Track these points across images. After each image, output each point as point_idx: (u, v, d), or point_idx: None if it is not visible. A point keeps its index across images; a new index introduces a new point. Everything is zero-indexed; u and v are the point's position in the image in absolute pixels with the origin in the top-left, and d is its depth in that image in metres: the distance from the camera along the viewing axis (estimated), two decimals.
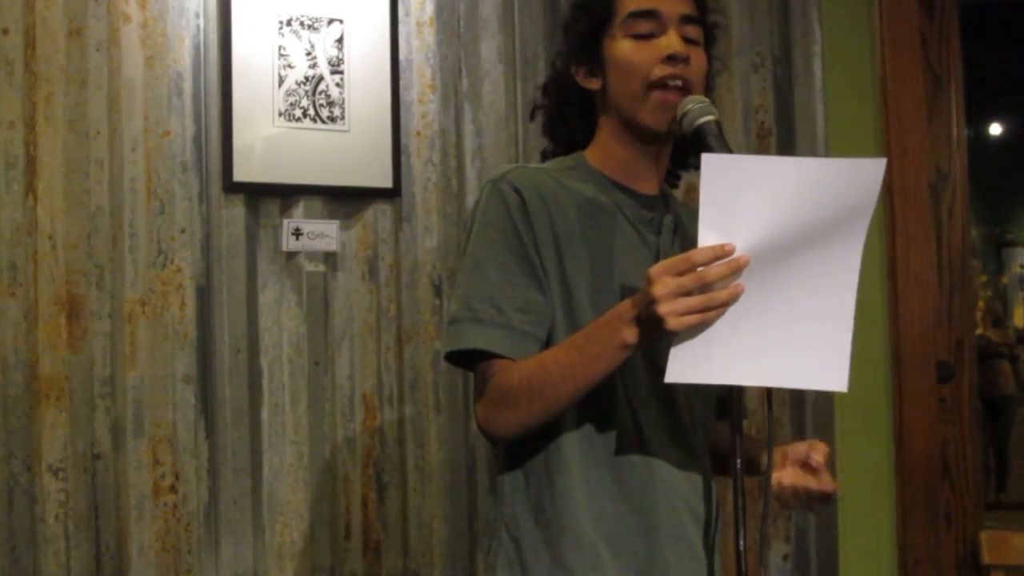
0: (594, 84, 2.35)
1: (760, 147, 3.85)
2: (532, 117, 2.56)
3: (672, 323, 1.93)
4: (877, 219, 3.85)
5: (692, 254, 1.93)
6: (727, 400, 2.22)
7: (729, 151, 2.10)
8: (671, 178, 2.49)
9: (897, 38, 3.97)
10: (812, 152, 3.87)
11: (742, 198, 1.92)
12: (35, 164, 3.10)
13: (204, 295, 3.26)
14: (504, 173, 2.27)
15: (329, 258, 3.39)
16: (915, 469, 3.92)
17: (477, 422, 2.23)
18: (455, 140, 3.57)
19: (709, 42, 2.37)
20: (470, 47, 3.61)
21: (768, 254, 1.93)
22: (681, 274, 1.93)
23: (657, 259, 2.27)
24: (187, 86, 3.26)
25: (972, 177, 4.10)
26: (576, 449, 2.21)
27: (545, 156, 2.51)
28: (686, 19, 2.29)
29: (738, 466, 2.13)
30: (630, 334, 2.02)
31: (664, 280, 1.94)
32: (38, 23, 3.12)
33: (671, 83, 2.23)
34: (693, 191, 3.63)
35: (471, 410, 3.51)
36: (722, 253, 1.93)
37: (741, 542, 2.12)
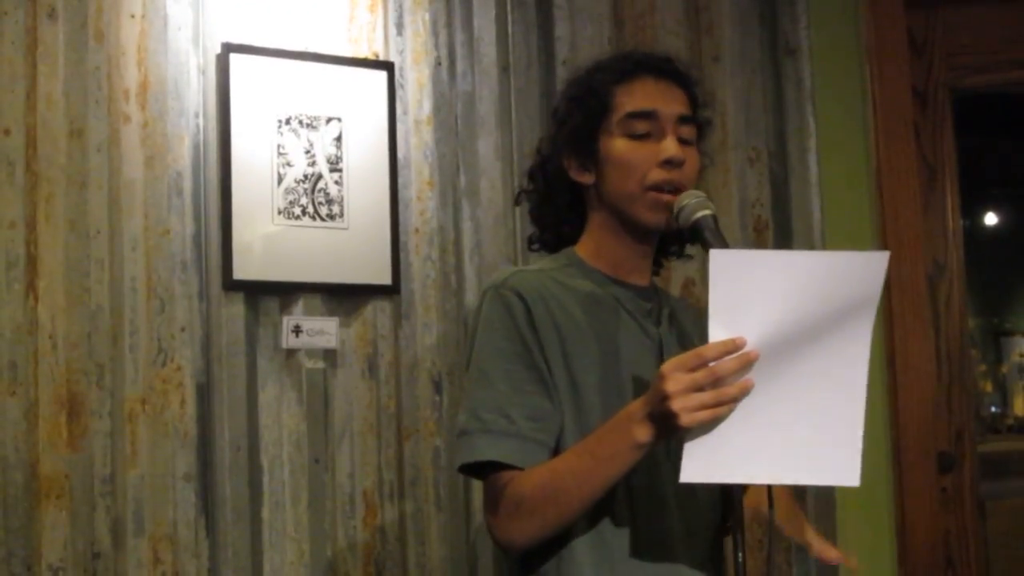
0: (586, 179, 2.36)
1: (757, 241, 3.86)
2: (517, 202, 2.58)
3: (685, 419, 1.94)
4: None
5: (703, 350, 1.94)
6: (728, 495, 2.22)
7: (726, 245, 2.12)
8: (654, 266, 2.49)
9: (891, 130, 4.00)
10: (809, 245, 3.88)
11: (750, 293, 1.93)
12: (36, 263, 3.11)
13: (204, 393, 3.26)
14: (505, 279, 2.28)
15: (329, 355, 3.39)
16: (918, 560, 3.89)
17: (491, 533, 2.22)
18: (453, 237, 3.59)
19: (700, 137, 2.40)
20: (467, 144, 3.64)
21: (777, 348, 1.94)
22: (693, 370, 1.94)
23: (660, 350, 2.28)
24: (187, 185, 3.28)
25: (969, 267, 4.11)
26: (589, 553, 2.21)
27: (532, 243, 2.52)
28: (682, 119, 2.31)
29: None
30: (643, 433, 2.02)
31: (676, 376, 1.94)
32: (39, 124, 3.14)
33: (666, 187, 2.25)
34: (691, 284, 3.65)
35: (472, 507, 3.50)
36: (732, 348, 1.94)
37: None
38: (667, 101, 2.31)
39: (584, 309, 2.28)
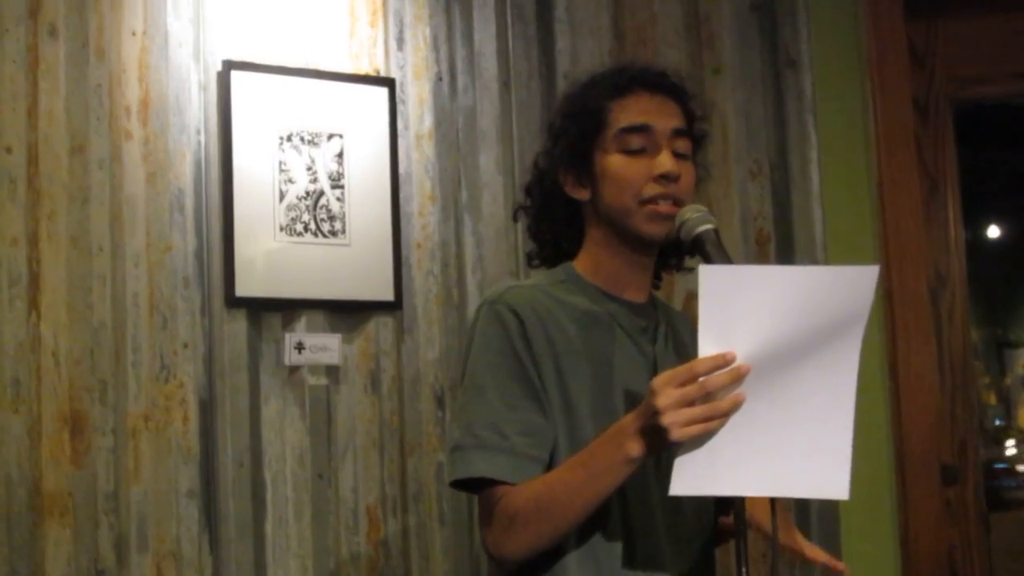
0: (582, 194, 2.36)
1: (759, 253, 3.86)
2: (515, 218, 2.58)
3: (676, 434, 1.94)
4: (878, 322, 3.85)
5: (694, 364, 1.95)
6: (727, 504, 2.22)
7: (728, 259, 2.12)
8: (654, 279, 2.49)
9: (892, 142, 3.99)
10: (811, 257, 3.88)
11: (740, 308, 1.94)
12: (38, 280, 3.11)
13: (207, 409, 3.26)
14: (500, 294, 2.28)
15: (331, 371, 3.39)
16: (922, 573, 3.88)
17: (485, 547, 2.22)
18: (455, 251, 3.59)
19: (697, 150, 2.39)
20: (469, 159, 3.64)
21: (767, 362, 1.95)
22: (684, 384, 1.94)
23: (654, 368, 2.28)
24: (188, 201, 3.28)
25: (972, 279, 4.10)
26: (579, 567, 2.21)
27: (531, 258, 2.52)
28: (677, 133, 2.31)
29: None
30: (634, 447, 2.03)
31: (667, 391, 1.95)
32: (41, 141, 3.14)
33: (662, 201, 2.25)
34: (692, 298, 3.65)
35: (475, 521, 3.49)
36: (723, 362, 1.94)
37: None
38: (661, 115, 2.31)
39: (579, 326, 2.28)
